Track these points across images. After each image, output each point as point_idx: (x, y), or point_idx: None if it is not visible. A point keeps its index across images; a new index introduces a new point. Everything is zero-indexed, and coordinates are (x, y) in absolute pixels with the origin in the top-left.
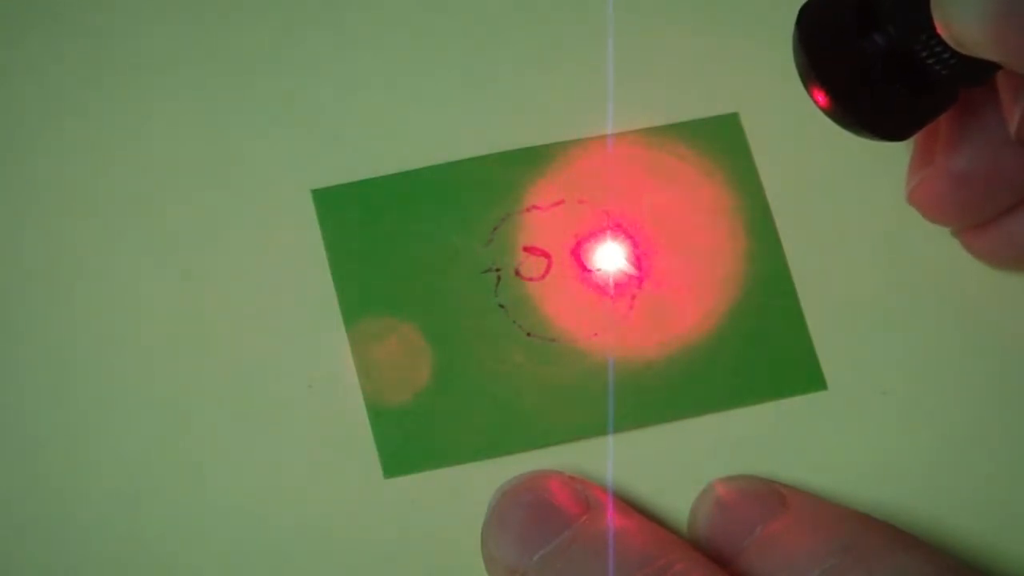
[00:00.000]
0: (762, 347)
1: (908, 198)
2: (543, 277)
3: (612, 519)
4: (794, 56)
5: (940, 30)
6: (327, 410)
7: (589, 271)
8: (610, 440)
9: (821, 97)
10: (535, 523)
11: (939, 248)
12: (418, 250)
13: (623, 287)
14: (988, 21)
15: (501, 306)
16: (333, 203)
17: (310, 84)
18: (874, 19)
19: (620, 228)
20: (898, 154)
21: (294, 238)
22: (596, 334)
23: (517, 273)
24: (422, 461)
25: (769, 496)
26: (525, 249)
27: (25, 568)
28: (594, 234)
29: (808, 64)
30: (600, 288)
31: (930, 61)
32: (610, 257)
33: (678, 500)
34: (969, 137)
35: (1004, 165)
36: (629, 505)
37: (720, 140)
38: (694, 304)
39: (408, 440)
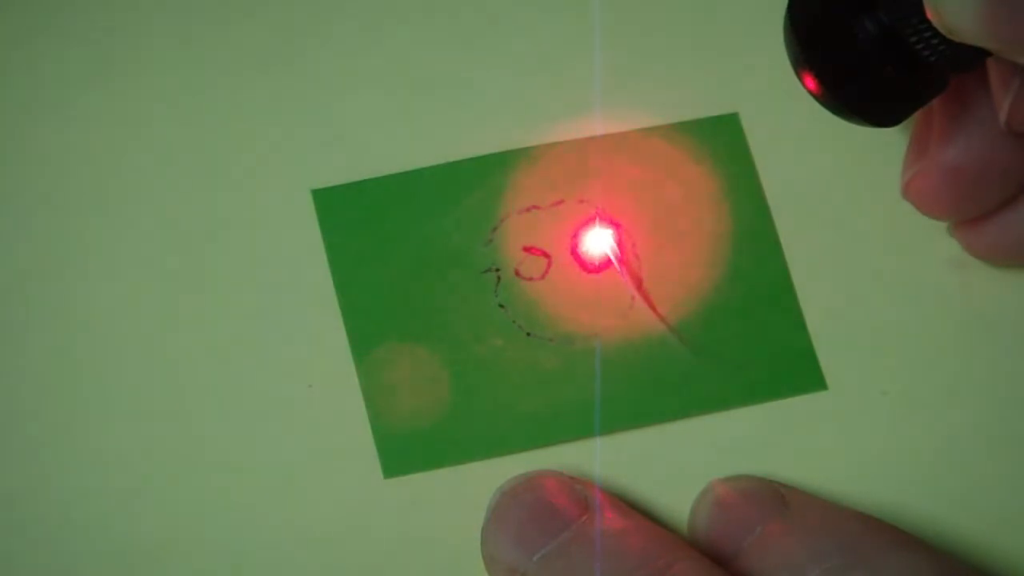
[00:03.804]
0: (762, 347)
1: (903, 192)
2: (543, 277)
3: (602, 519)
4: (785, 42)
5: (930, 16)
6: (327, 410)
7: (589, 271)
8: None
9: (811, 83)
10: (535, 523)
11: (939, 248)
12: (418, 250)
13: (623, 287)
14: (978, 8)
15: (501, 306)
16: (333, 203)
17: (310, 84)
18: (865, 5)
19: (620, 228)
20: (898, 155)
21: (294, 238)
22: (596, 334)
23: (517, 273)
24: (422, 461)
25: (769, 496)
26: (525, 249)
27: (25, 568)
28: (594, 234)
29: (799, 50)
30: (600, 288)
31: (920, 47)
32: (610, 257)
33: (678, 500)
34: (962, 129)
35: (997, 157)
36: (629, 505)
37: (720, 140)
38: (694, 304)
39: (408, 440)
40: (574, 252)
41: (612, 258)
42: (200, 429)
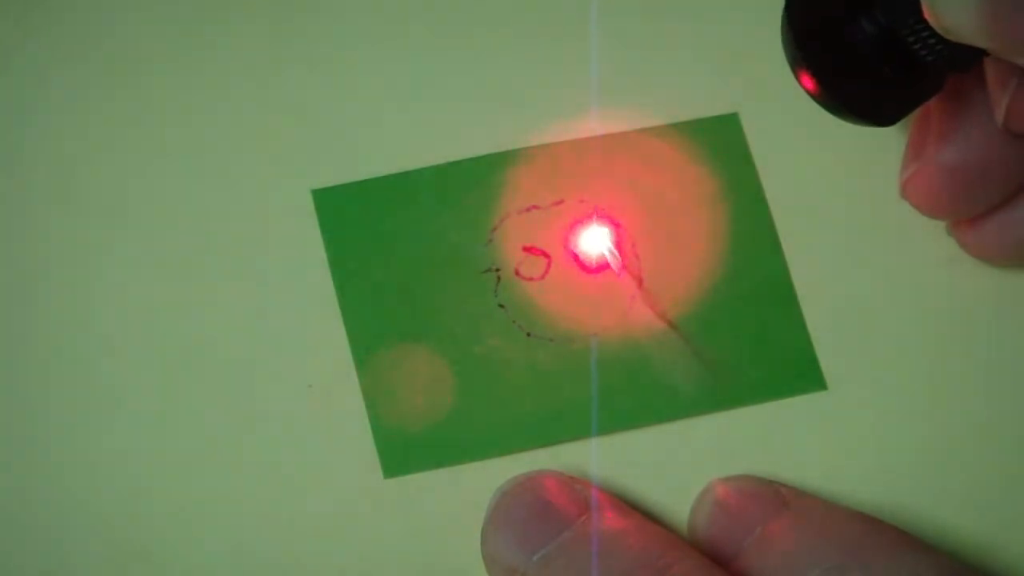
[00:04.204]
0: (762, 347)
1: (901, 191)
2: (543, 277)
3: (602, 519)
4: (782, 41)
5: (928, 17)
6: (327, 410)
7: (588, 271)
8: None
9: (808, 82)
10: (535, 523)
11: (938, 248)
12: (418, 250)
13: (622, 286)
14: (976, 9)
15: (501, 306)
16: (333, 203)
17: (310, 84)
18: (862, 5)
19: (619, 228)
20: (898, 155)
21: (294, 238)
22: (595, 334)
23: (517, 273)
24: (422, 461)
25: (769, 496)
26: (525, 249)
27: (25, 568)
28: (590, 234)
29: (796, 49)
30: (599, 288)
31: (917, 47)
32: (609, 256)
33: (678, 500)
34: (959, 129)
35: (994, 156)
36: (629, 505)
37: (720, 140)
38: (694, 304)
39: (408, 440)
40: (574, 252)
41: (608, 257)
42: (200, 429)
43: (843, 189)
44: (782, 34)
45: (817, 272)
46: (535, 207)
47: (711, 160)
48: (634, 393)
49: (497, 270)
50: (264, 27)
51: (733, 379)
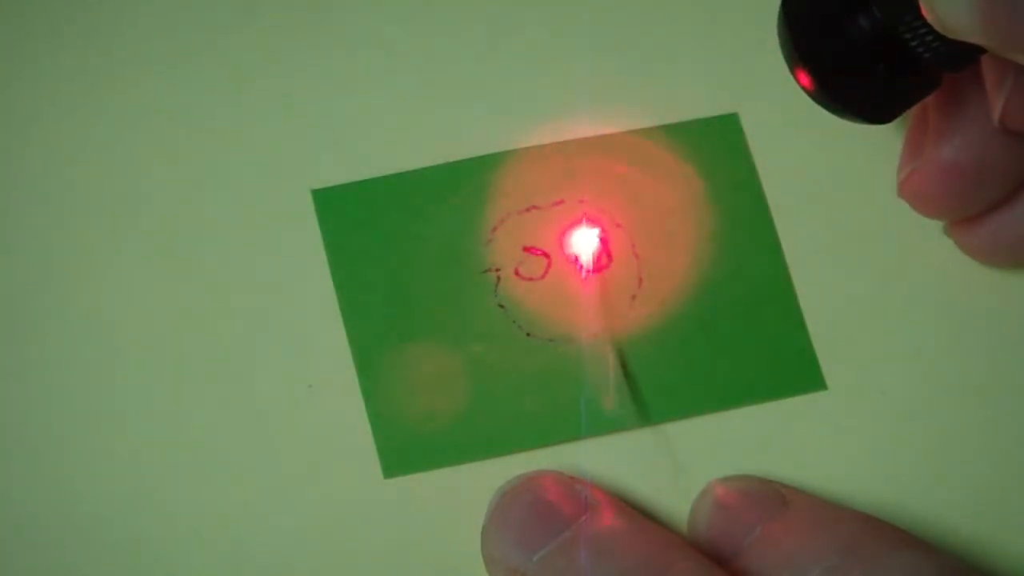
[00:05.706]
0: (761, 347)
1: (898, 190)
2: (543, 277)
3: (602, 519)
4: (779, 38)
5: (925, 13)
6: (327, 410)
7: (588, 271)
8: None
9: (805, 79)
10: (535, 523)
11: (938, 248)
12: (418, 250)
13: (622, 286)
14: (974, 6)
15: (501, 306)
16: (333, 203)
17: (310, 84)
18: (859, 2)
19: (620, 228)
20: (897, 155)
21: (294, 238)
22: (595, 334)
23: (517, 273)
24: (422, 461)
25: (769, 496)
26: (525, 249)
27: (25, 568)
28: (579, 235)
29: (793, 46)
30: (599, 288)
31: (914, 44)
32: (610, 257)
33: (678, 500)
34: (957, 127)
35: (991, 155)
36: (629, 505)
37: (719, 140)
38: (694, 304)
39: (408, 440)
40: (569, 252)
41: (612, 258)
42: (200, 429)
43: (843, 189)
44: (779, 31)
45: (817, 272)
46: (535, 207)
47: (711, 160)
48: (634, 393)
49: (497, 270)
50: (264, 27)
51: (733, 379)
